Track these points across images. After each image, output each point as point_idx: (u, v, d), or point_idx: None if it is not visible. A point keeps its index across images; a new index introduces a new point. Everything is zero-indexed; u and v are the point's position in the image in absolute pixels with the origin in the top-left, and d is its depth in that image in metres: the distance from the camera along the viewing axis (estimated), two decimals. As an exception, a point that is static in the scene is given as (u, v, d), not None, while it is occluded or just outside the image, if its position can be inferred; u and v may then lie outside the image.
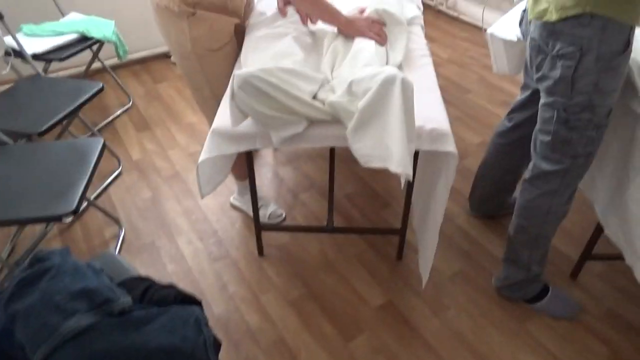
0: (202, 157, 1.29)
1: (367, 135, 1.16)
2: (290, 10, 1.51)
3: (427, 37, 1.68)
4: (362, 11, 1.55)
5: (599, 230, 1.48)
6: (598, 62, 1.15)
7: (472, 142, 2.27)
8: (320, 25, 1.53)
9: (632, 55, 1.26)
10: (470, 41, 3.15)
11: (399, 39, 1.42)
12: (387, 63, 1.39)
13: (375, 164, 1.16)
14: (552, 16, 1.16)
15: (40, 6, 2.40)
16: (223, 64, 1.48)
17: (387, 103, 1.12)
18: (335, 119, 1.24)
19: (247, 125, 1.25)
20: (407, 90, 1.11)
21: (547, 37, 1.20)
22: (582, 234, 1.67)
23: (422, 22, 1.73)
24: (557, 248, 1.72)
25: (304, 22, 1.54)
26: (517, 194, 1.55)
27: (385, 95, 1.12)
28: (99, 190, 2.02)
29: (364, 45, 1.36)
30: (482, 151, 1.79)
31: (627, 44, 1.15)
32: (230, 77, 1.20)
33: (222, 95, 1.40)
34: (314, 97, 1.24)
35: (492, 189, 1.80)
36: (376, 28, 1.47)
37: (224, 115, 1.26)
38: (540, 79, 1.27)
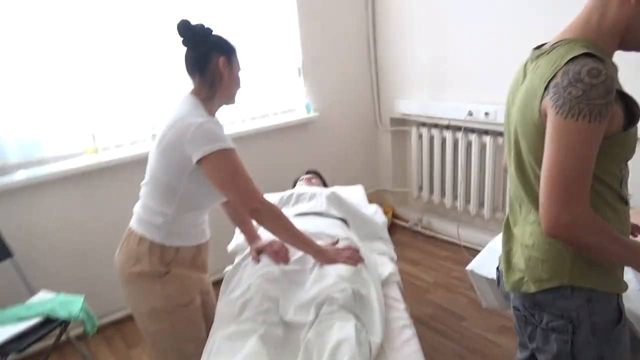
0: None
1: None
2: (257, 299, 1.42)
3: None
4: (334, 243, 1.64)
5: None
6: (595, 335, 1.02)
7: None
8: (292, 315, 1.40)
9: (631, 309, 1.16)
10: (452, 260, 3.13)
11: (374, 321, 1.31)
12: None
13: None
14: (530, 287, 1.08)
15: (8, 287, 2.34)
16: (193, 318, 1.53)
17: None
18: None
19: None
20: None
21: (531, 308, 1.10)
22: None
23: (398, 278, 1.67)
24: None
25: (277, 261, 1.59)
26: None
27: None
28: None
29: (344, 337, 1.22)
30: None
31: (620, 312, 1.05)
32: (197, 338, 1.30)
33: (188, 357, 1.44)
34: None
35: None
36: (347, 252, 1.56)
37: None
38: (536, 351, 1.13)
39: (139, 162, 2.39)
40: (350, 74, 3.47)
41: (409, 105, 3.32)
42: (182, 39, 1.44)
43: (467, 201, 3.17)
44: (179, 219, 1.46)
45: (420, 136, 3.34)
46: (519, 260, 1.12)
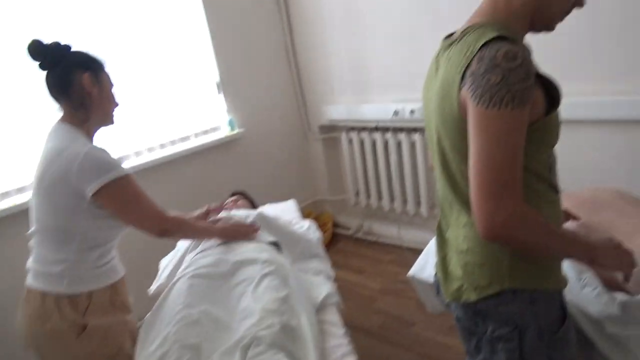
0: None
1: None
2: (175, 351, 1.23)
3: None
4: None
5: None
6: (543, 338, 0.95)
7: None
8: None
9: (577, 305, 1.10)
10: (396, 263, 3.07)
11: (308, 354, 1.18)
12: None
13: None
14: (471, 296, 0.99)
15: None
16: None
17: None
18: None
19: None
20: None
21: (474, 317, 1.01)
22: None
23: (337, 299, 1.55)
24: None
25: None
26: None
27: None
28: None
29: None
30: None
31: (564, 309, 0.98)
32: None
33: None
34: None
35: None
36: (243, 229, 1.68)
37: None
38: None
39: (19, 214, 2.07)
40: (273, 84, 3.35)
41: (336, 110, 3.25)
42: (37, 62, 1.28)
43: (405, 201, 3.13)
44: (82, 261, 1.31)
45: (350, 141, 3.28)
46: (455, 267, 1.03)
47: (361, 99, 3.09)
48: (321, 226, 3.53)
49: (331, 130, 3.47)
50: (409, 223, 3.22)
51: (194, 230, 1.62)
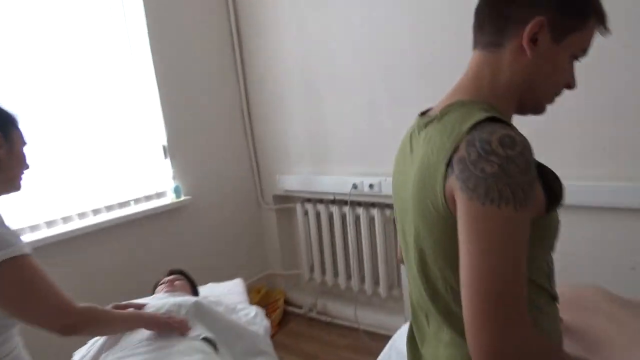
0: None
1: None
2: None
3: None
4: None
5: None
6: None
7: None
8: None
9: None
10: (352, 349, 2.80)
11: None
12: None
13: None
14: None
15: None
16: None
17: None
18: None
19: None
20: None
21: None
22: None
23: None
24: None
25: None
26: None
27: None
28: None
29: None
30: None
31: None
32: None
33: None
34: None
35: None
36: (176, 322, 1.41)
37: None
38: None
39: None
40: (225, 150, 3.16)
41: (292, 180, 3.07)
42: None
43: (362, 280, 2.92)
44: None
45: (306, 212, 3.08)
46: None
47: (318, 169, 2.94)
48: (272, 303, 3.24)
49: (286, 200, 3.27)
50: (366, 303, 2.99)
51: (114, 321, 1.34)
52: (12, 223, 1.16)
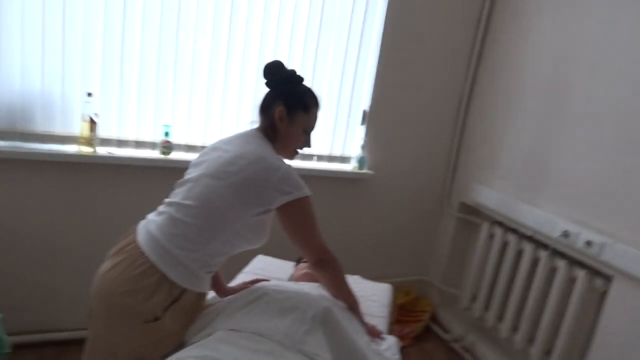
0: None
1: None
2: None
3: None
4: None
5: None
6: None
7: None
8: None
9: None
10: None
11: None
12: None
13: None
14: None
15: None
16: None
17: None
18: None
19: None
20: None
21: None
22: None
23: None
24: None
25: None
26: None
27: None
28: None
29: None
30: None
31: None
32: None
33: None
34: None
35: None
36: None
37: None
38: None
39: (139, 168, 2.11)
40: (426, 136, 2.83)
41: (489, 195, 2.61)
42: (265, 79, 1.44)
43: (530, 341, 2.37)
44: (208, 256, 1.29)
45: (492, 235, 2.61)
46: None
47: (526, 195, 2.41)
48: (417, 312, 2.93)
49: (473, 212, 2.83)
50: (523, 366, 2.45)
51: (345, 282, 1.48)
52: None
